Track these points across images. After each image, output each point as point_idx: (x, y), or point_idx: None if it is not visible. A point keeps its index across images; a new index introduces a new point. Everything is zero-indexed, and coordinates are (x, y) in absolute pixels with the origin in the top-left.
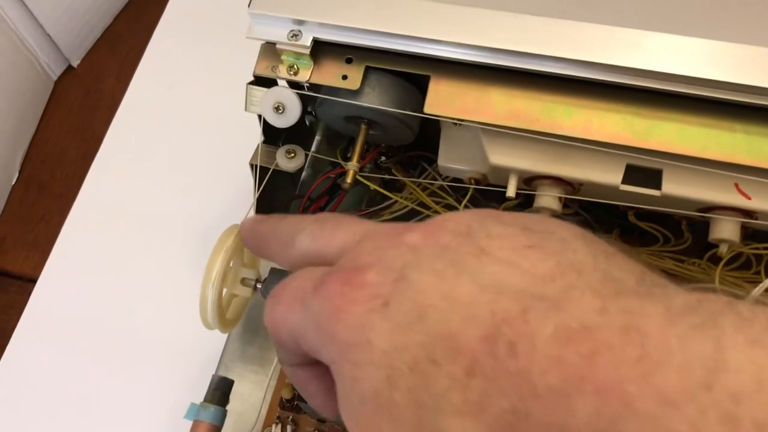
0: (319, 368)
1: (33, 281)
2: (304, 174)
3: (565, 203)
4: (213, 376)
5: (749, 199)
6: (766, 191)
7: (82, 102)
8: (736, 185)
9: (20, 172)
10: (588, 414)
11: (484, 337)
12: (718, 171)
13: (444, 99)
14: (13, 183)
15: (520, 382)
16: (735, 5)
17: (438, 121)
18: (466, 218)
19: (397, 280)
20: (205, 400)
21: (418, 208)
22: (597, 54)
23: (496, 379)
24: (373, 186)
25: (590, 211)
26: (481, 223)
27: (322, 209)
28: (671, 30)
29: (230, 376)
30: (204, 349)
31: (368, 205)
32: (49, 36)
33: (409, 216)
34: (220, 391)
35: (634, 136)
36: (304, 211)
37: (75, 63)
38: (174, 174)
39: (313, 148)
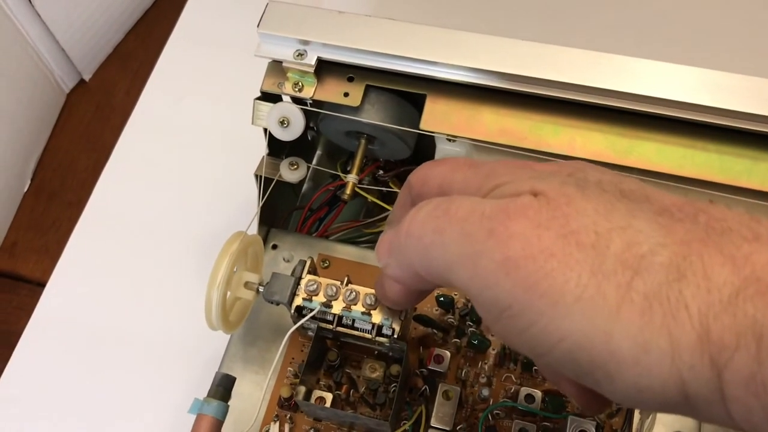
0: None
1: (42, 285)
2: (305, 186)
3: None
4: (216, 373)
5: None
6: (738, 208)
7: (93, 114)
8: (711, 202)
9: (32, 180)
10: None
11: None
12: (694, 188)
13: (439, 116)
14: (26, 190)
15: None
16: (712, 35)
17: (433, 136)
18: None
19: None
20: (209, 395)
21: None
22: (582, 77)
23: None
24: (371, 198)
25: None
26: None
27: (321, 220)
28: (652, 56)
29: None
30: (208, 349)
31: (366, 216)
32: (64, 51)
33: None
34: (223, 387)
35: (615, 154)
36: (305, 221)
37: (87, 77)
38: (181, 183)
39: (314, 161)
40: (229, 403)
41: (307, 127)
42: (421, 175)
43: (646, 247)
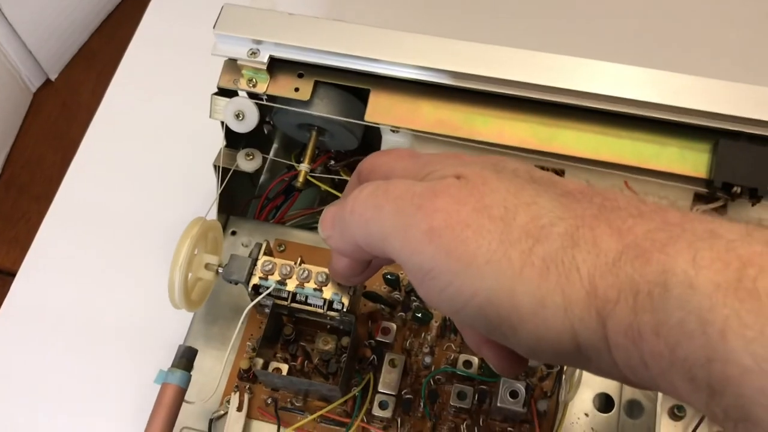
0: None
1: (12, 274)
2: (262, 177)
3: None
4: (179, 345)
5: (636, 194)
6: (649, 187)
7: (59, 113)
8: (626, 182)
9: (1, 176)
10: None
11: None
12: (610, 171)
13: (382, 109)
14: None
15: None
16: (624, 33)
17: (379, 128)
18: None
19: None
20: (173, 365)
21: None
22: (510, 73)
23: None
24: (324, 187)
25: None
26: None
27: (278, 208)
28: (572, 53)
29: None
30: (171, 329)
31: (320, 204)
32: (30, 51)
33: None
34: (186, 358)
35: (539, 142)
36: (262, 209)
37: (53, 77)
38: (145, 176)
39: (271, 154)
40: (191, 374)
41: (262, 121)
42: (370, 163)
43: (547, 219)
